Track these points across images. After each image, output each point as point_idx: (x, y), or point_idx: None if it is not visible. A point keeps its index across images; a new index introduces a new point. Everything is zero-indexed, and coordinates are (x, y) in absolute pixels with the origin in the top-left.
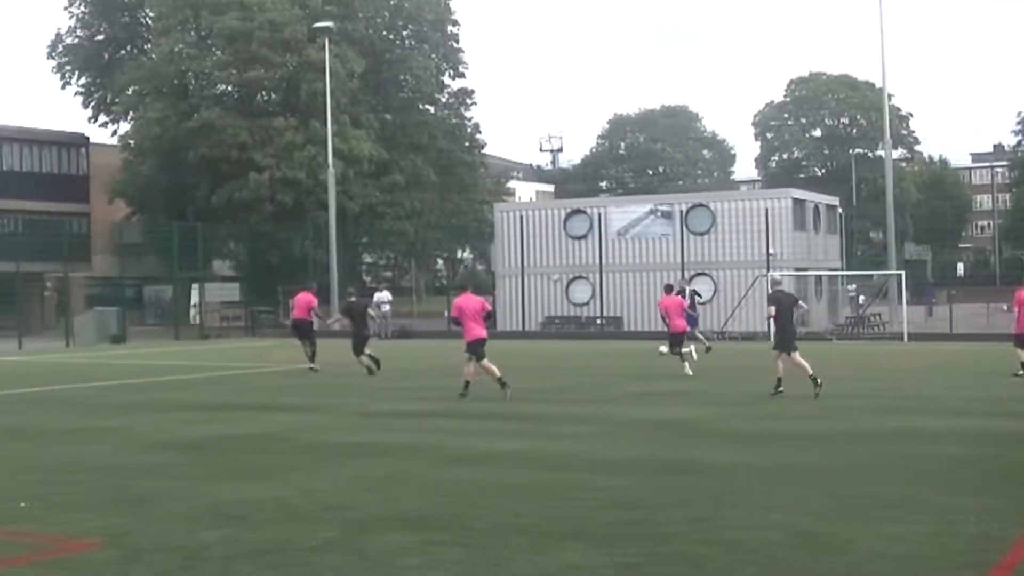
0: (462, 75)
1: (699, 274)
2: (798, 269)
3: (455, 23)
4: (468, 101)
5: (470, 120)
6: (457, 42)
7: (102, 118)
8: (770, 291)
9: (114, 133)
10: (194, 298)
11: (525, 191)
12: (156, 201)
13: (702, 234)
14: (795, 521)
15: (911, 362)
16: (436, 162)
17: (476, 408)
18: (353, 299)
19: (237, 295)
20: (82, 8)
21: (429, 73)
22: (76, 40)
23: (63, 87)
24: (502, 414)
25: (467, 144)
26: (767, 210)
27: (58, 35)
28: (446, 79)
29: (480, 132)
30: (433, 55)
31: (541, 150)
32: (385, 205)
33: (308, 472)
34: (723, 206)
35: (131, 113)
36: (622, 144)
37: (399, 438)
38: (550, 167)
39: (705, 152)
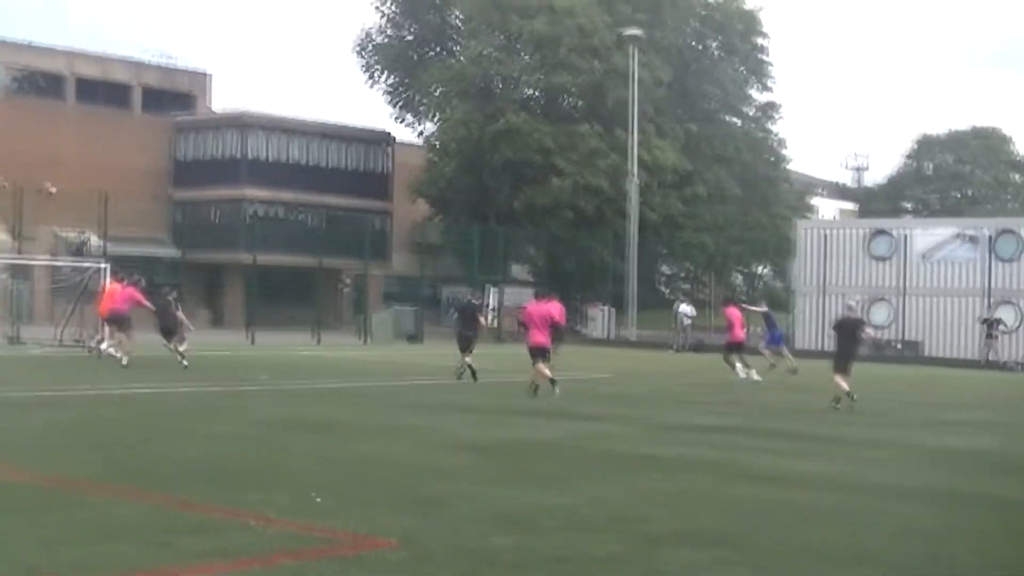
0: (769, 88)
1: (1005, 302)
2: None
3: (764, 35)
4: (774, 115)
5: (775, 134)
6: (766, 55)
7: (408, 117)
8: (840, 315)
9: (419, 133)
10: (491, 301)
11: (827, 208)
12: (457, 202)
13: (1009, 261)
14: None
15: None
16: (739, 175)
17: (770, 426)
18: (470, 300)
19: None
20: (392, 7)
21: (736, 85)
22: (385, 39)
23: (370, 85)
24: (796, 433)
25: (771, 159)
26: None
27: (367, 34)
28: (753, 92)
29: (785, 147)
30: (741, 67)
31: (846, 167)
32: (686, 217)
33: (598, 482)
34: None
35: (436, 114)
36: (929, 164)
37: (692, 452)
38: (854, 185)
39: (1015, 176)
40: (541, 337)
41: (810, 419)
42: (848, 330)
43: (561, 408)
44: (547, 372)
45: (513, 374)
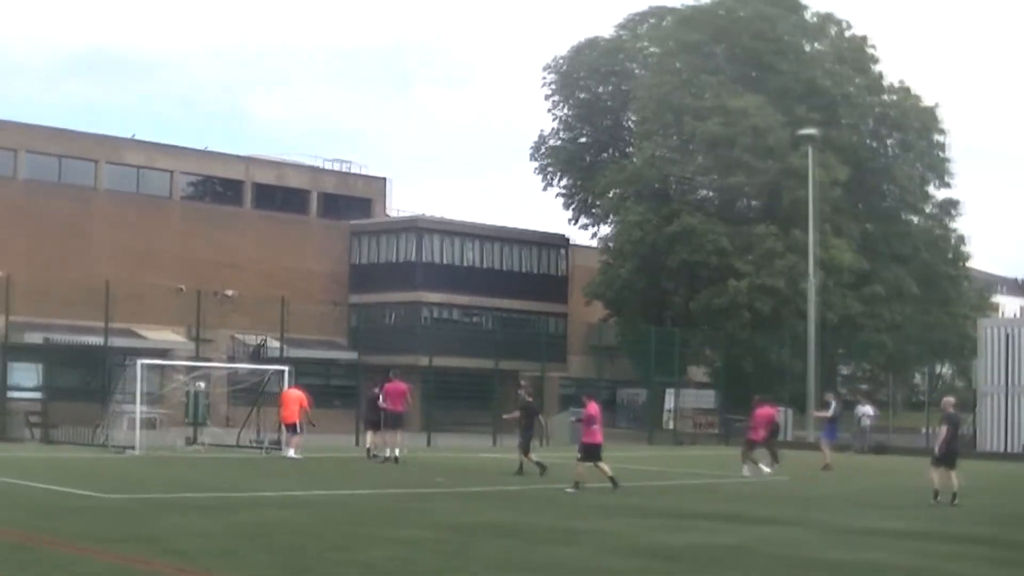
0: (948, 185)
1: None
2: None
3: (942, 131)
4: (953, 212)
5: (955, 231)
6: (944, 151)
7: (582, 220)
8: (946, 411)
9: (594, 235)
10: (668, 403)
11: (1010, 306)
12: (633, 304)
13: None
14: None
15: None
16: (918, 274)
17: (959, 531)
18: (529, 399)
19: (712, 402)
20: (566, 111)
21: (913, 182)
22: (559, 142)
23: (545, 188)
24: (991, 539)
25: (951, 256)
26: None
27: (541, 137)
28: (931, 189)
29: (965, 244)
30: (918, 164)
31: None
32: (864, 316)
33: None
34: None
35: (611, 216)
36: None
37: (879, 558)
38: None
39: None
40: (599, 436)
41: (1003, 524)
42: (957, 426)
43: (740, 512)
44: (607, 469)
45: (691, 477)
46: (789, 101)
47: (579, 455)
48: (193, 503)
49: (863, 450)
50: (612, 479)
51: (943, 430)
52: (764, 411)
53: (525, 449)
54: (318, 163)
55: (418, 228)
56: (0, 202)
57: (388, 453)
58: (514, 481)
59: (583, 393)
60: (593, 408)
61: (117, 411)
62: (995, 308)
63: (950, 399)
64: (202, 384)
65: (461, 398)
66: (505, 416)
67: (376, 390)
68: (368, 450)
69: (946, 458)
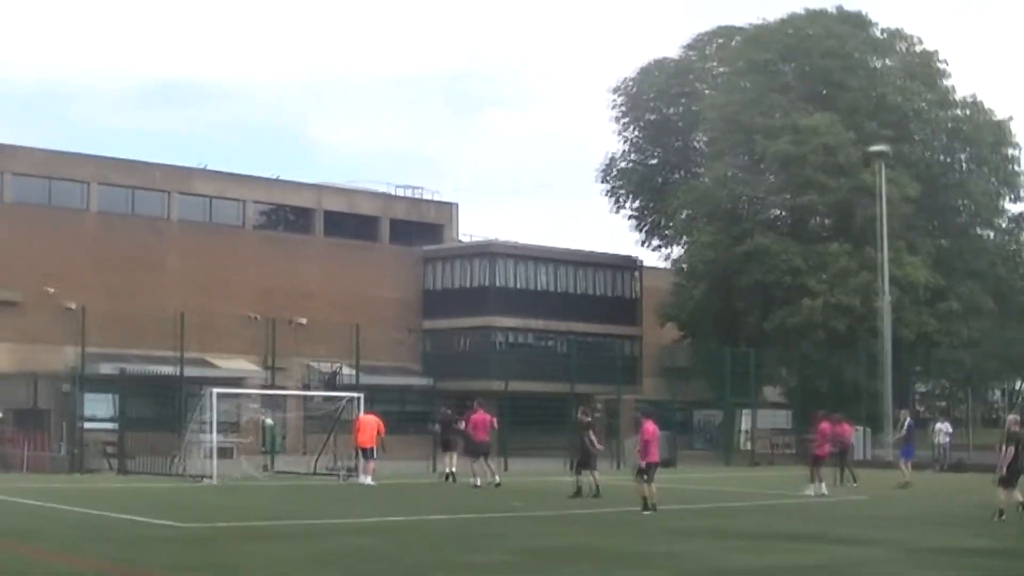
0: (1022, 199)
1: None
2: None
3: (1015, 145)
4: None
5: None
6: (1017, 165)
7: (654, 241)
8: (1010, 430)
9: (666, 257)
10: (744, 424)
11: None
12: (706, 325)
13: None
14: None
15: None
16: (994, 289)
17: None
18: (588, 418)
19: (787, 422)
20: (636, 133)
21: (987, 197)
22: (629, 164)
23: (616, 210)
24: None
25: None
26: None
27: (611, 159)
28: (1005, 203)
29: None
30: (992, 178)
31: None
32: (940, 333)
33: None
34: None
35: (683, 237)
36: None
37: None
38: None
39: None
40: (657, 455)
41: None
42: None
43: (820, 532)
44: (649, 491)
45: (767, 498)
46: (859, 118)
47: (644, 477)
48: (271, 531)
49: (943, 468)
50: (645, 500)
51: (1007, 449)
52: (827, 426)
53: (577, 466)
54: (389, 190)
55: (491, 253)
56: (74, 235)
57: (480, 483)
58: (590, 504)
59: (640, 412)
60: (649, 429)
61: (192, 440)
62: None
63: (1015, 417)
64: (269, 420)
65: (536, 422)
66: (595, 449)
67: (449, 411)
68: (449, 474)
69: (1012, 478)
